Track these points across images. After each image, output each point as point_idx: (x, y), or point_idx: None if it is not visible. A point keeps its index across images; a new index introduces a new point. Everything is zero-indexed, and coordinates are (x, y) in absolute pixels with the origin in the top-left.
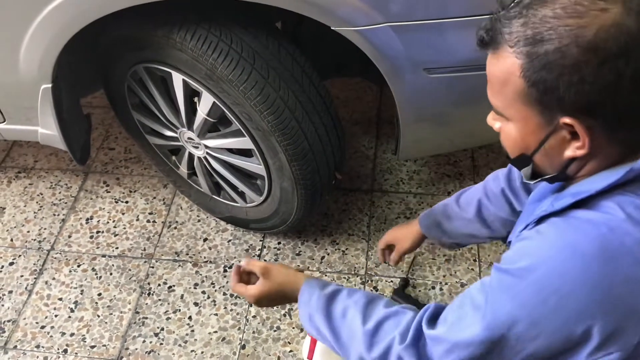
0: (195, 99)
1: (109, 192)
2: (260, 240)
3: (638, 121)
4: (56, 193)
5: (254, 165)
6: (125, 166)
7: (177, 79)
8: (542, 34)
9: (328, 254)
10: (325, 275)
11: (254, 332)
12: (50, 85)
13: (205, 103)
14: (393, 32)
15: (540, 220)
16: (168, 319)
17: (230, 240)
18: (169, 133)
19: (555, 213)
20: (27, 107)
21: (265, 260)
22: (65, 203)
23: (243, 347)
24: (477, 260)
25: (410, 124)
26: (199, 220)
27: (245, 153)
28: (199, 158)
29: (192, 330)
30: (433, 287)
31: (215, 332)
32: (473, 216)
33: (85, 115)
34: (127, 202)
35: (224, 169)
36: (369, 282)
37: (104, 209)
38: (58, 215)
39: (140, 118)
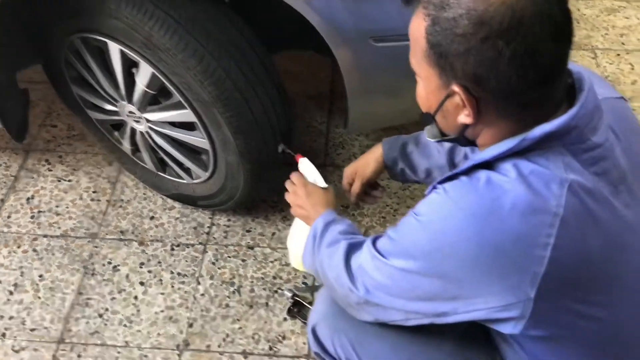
0: (134, 70)
1: (51, 170)
2: (210, 218)
3: (522, 100)
4: None
5: (198, 139)
6: (68, 144)
7: (114, 49)
8: (444, 1)
9: (279, 230)
10: (276, 251)
11: (202, 311)
12: None
13: (143, 74)
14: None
15: (449, 178)
16: (113, 299)
17: (177, 218)
18: (109, 107)
19: (464, 172)
20: None
21: (214, 238)
22: (5, 182)
23: (191, 325)
24: None
25: (358, 96)
26: (145, 199)
27: (188, 126)
28: (141, 133)
29: (138, 310)
30: None
31: (162, 311)
32: (444, 150)
33: (22, 90)
34: (70, 180)
35: (167, 144)
36: None
37: (45, 188)
38: None
39: (80, 92)
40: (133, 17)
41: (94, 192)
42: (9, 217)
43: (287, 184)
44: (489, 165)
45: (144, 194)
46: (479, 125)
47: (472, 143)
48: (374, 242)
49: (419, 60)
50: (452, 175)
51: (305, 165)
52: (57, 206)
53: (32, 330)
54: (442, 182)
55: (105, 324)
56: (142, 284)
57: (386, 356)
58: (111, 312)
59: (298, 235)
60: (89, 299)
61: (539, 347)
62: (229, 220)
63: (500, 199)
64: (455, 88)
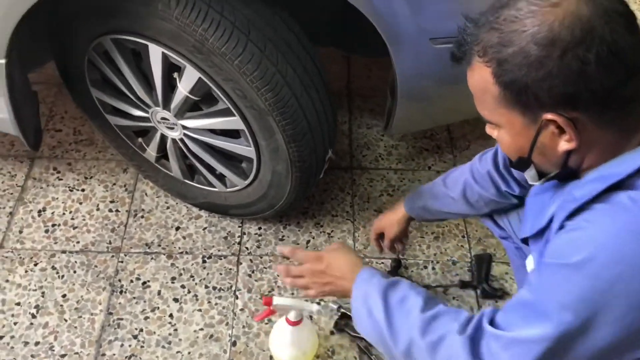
0: (175, 75)
1: (61, 179)
2: (239, 227)
3: (619, 102)
4: None
5: (242, 148)
6: (76, 150)
7: (156, 52)
8: (504, 39)
9: (313, 238)
10: None
11: (243, 327)
12: (4, 61)
13: (188, 79)
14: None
15: (577, 211)
16: (146, 318)
17: (205, 228)
18: (138, 113)
19: (594, 199)
20: None
21: (246, 248)
22: (11, 194)
23: (234, 343)
24: (465, 236)
25: (409, 98)
26: (168, 207)
27: (231, 134)
28: (173, 140)
29: (175, 330)
30: (425, 267)
31: (201, 329)
32: (458, 195)
33: (34, 93)
34: (83, 190)
35: (204, 152)
36: None
37: (57, 198)
38: (4, 208)
39: (100, 96)
40: (185, 19)
41: (111, 201)
42: (20, 232)
43: (298, 270)
44: (617, 186)
45: (166, 202)
46: (582, 147)
47: (574, 174)
48: (493, 322)
49: (492, 109)
50: (579, 207)
51: (279, 302)
52: (72, 218)
53: (63, 356)
54: (568, 218)
55: (142, 346)
56: (176, 300)
57: None
58: (146, 332)
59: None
60: (120, 319)
61: None
62: (259, 228)
63: None
64: (548, 116)
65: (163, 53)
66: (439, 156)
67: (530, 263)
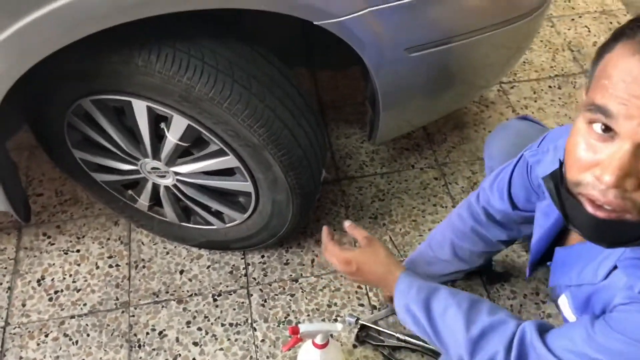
0: (162, 125)
1: (53, 244)
2: (242, 258)
3: None
4: None
5: (239, 184)
6: (62, 211)
7: (140, 107)
8: None
9: (317, 256)
10: (322, 278)
11: (268, 357)
12: None
13: (176, 127)
14: (374, 17)
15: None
16: None
17: (209, 266)
18: (126, 167)
19: None
20: None
21: (254, 279)
22: (5, 268)
23: None
24: None
25: (391, 108)
26: (167, 253)
27: (225, 172)
28: (166, 187)
29: None
30: None
31: None
32: (450, 257)
33: (12, 163)
34: (78, 250)
35: (199, 193)
36: None
37: (53, 264)
38: (1, 284)
39: (84, 156)
40: (167, 72)
41: (109, 257)
42: (23, 305)
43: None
44: None
45: (165, 248)
46: None
47: None
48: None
49: None
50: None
51: (305, 329)
52: (74, 281)
53: None
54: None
55: None
56: (195, 344)
57: None
58: None
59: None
60: None
61: None
62: (262, 256)
63: None
64: None
65: (148, 106)
66: (419, 153)
67: (565, 304)
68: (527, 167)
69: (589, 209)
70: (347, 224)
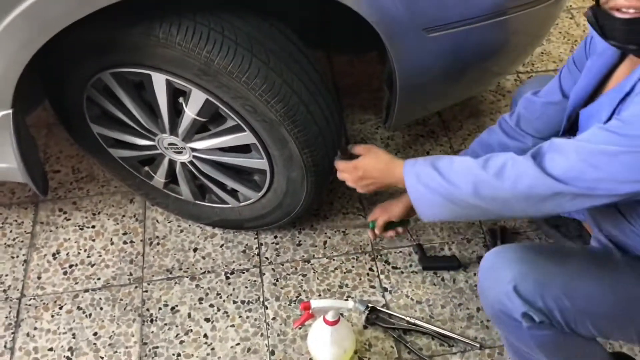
0: (180, 99)
1: (69, 219)
2: (255, 238)
3: None
4: (7, 232)
5: (254, 161)
6: (78, 187)
7: (159, 81)
8: None
9: (329, 238)
10: (333, 260)
11: (279, 335)
12: (11, 111)
13: (194, 102)
14: None
15: None
16: (182, 342)
17: (222, 245)
18: (144, 142)
19: None
20: None
21: (266, 258)
22: (22, 242)
23: (272, 352)
24: None
25: (407, 90)
26: (181, 231)
27: (241, 149)
28: (182, 164)
29: (213, 349)
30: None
31: (238, 344)
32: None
33: (32, 138)
34: (93, 226)
35: (215, 170)
36: (379, 257)
37: (69, 239)
38: (17, 257)
39: (102, 131)
40: (188, 44)
41: (124, 234)
42: (39, 277)
43: (342, 177)
44: None
45: (179, 226)
46: None
47: None
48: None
49: None
50: None
51: (317, 305)
52: (88, 256)
53: None
54: None
55: None
56: (207, 320)
57: (597, 290)
58: (184, 356)
59: (322, 340)
60: (155, 347)
61: None
62: (275, 237)
63: None
64: None
65: (167, 80)
66: (434, 140)
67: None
68: (585, 41)
69: (617, 14)
70: (350, 146)
